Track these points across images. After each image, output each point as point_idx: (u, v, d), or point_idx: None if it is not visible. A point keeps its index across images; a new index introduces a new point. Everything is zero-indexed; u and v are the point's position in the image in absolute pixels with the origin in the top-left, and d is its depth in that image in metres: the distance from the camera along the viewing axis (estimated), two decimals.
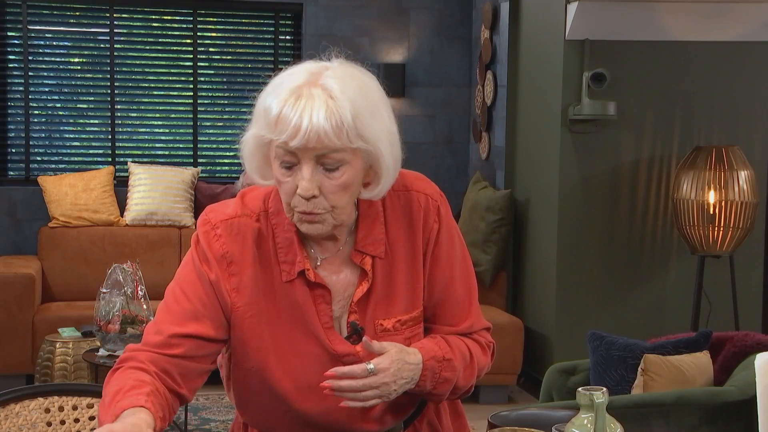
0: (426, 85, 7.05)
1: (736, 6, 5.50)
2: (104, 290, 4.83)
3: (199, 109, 6.98)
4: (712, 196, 5.21)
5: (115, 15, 6.82)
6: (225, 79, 7.05)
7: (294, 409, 1.91)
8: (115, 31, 6.84)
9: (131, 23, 6.91)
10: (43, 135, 6.83)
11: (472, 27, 7.05)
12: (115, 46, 6.82)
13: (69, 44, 6.85)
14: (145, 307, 4.84)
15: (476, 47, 6.94)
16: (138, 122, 6.96)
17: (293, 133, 1.75)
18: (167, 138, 7.03)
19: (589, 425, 1.83)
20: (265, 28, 7.08)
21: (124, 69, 6.87)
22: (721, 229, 5.21)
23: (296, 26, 7.03)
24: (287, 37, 7.07)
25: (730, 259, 5.33)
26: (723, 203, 5.19)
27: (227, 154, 7.12)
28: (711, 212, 5.21)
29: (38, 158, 6.82)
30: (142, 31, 6.93)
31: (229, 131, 7.06)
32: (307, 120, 1.74)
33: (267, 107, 1.79)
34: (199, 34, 6.96)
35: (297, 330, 1.89)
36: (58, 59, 6.83)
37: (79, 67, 6.88)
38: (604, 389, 1.83)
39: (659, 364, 3.63)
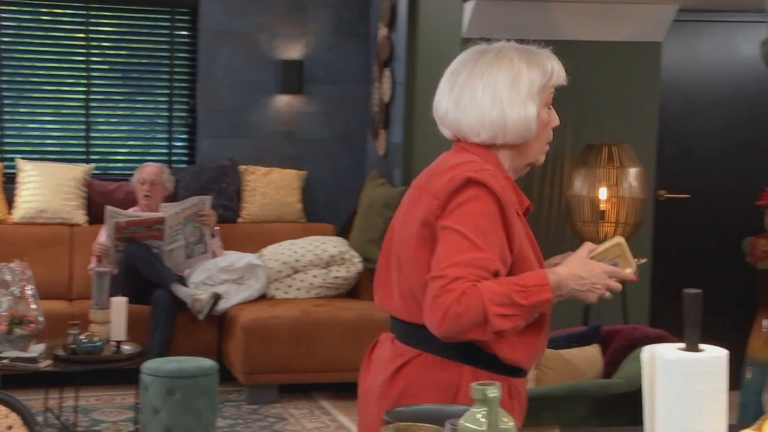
0: (324, 82, 7.04)
1: (628, 7, 5.63)
2: None
3: (92, 104, 6.85)
4: (603, 193, 5.33)
5: (2, 8, 6.65)
6: (120, 75, 6.93)
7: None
8: (2, 24, 6.66)
9: (20, 16, 6.75)
10: None
11: (370, 24, 7.07)
12: (3, 39, 6.65)
13: None
14: (33, 306, 4.73)
15: (374, 44, 6.97)
16: (27, 117, 6.80)
17: (563, 74, 2.37)
18: (58, 134, 6.89)
19: (482, 419, 1.85)
20: (160, 23, 6.98)
21: (12, 63, 6.70)
22: (612, 224, 5.34)
23: (192, 21, 6.96)
24: (183, 33, 6.99)
25: None
26: (614, 200, 5.32)
27: (121, 150, 7.00)
28: (602, 208, 5.33)
29: None
30: (32, 25, 6.77)
31: (124, 127, 6.94)
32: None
33: (544, 70, 2.31)
34: (92, 28, 6.82)
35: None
36: None
37: None
38: (498, 383, 1.85)
39: (551, 357, 3.70)
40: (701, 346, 1.67)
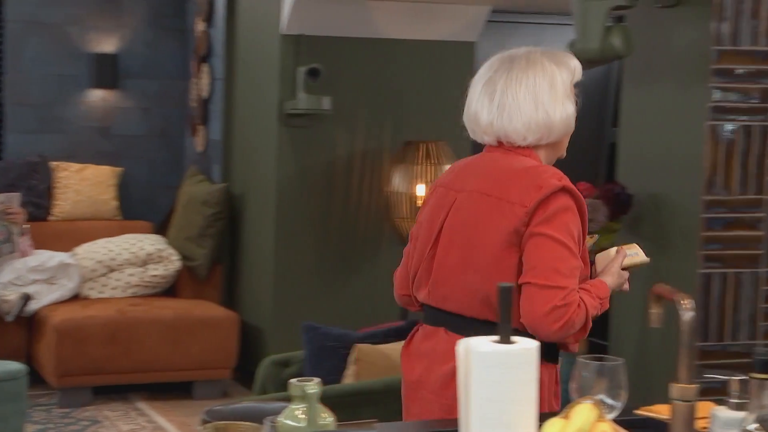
0: (140, 76, 6.88)
1: (443, 7, 5.74)
2: None
3: None
4: (421, 189, 5.42)
5: None
6: None
7: None
8: None
9: None
10: None
11: (187, 19, 6.95)
12: None
13: None
14: None
15: (192, 39, 6.86)
16: None
17: (581, 69, 2.47)
18: None
19: (301, 416, 1.85)
20: None
21: None
22: None
23: None
24: None
25: None
26: None
27: None
28: (420, 204, 5.41)
29: None
30: None
31: None
32: None
33: (570, 69, 2.43)
34: None
35: None
36: None
37: None
38: (317, 380, 1.85)
39: (370, 353, 3.73)
40: (514, 338, 1.71)
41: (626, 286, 2.49)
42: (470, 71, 6.02)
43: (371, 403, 3.44)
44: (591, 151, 6.54)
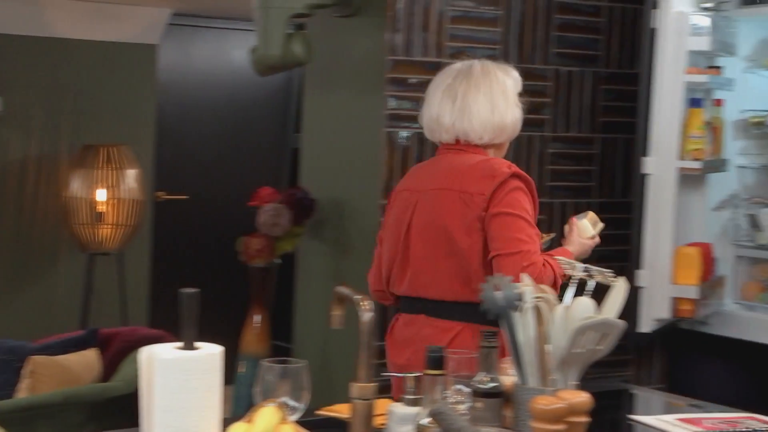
0: None
1: (122, 8, 5.60)
2: None
3: None
4: (102, 195, 5.26)
5: None
6: None
7: None
8: None
9: None
10: None
11: None
12: None
13: None
14: None
15: None
16: None
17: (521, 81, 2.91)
18: None
19: None
20: None
21: None
22: (111, 226, 5.28)
23: None
24: None
25: (118, 256, 5.42)
26: (113, 201, 5.27)
27: None
28: (100, 210, 5.26)
29: None
30: None
31: None
32: None
33: (516, 79, 2.85)
34: None
35: None
36: None
37: None
38: None
39: (46, 364, 3.57)
40: (198, 344, 1.70)
41: (592, 242, 2.95)
42: (153, 75, 5.95)
43: (48, 416, 3.30)
44: (274, 156, 6.62)
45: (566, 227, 2.99)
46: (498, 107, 2.77)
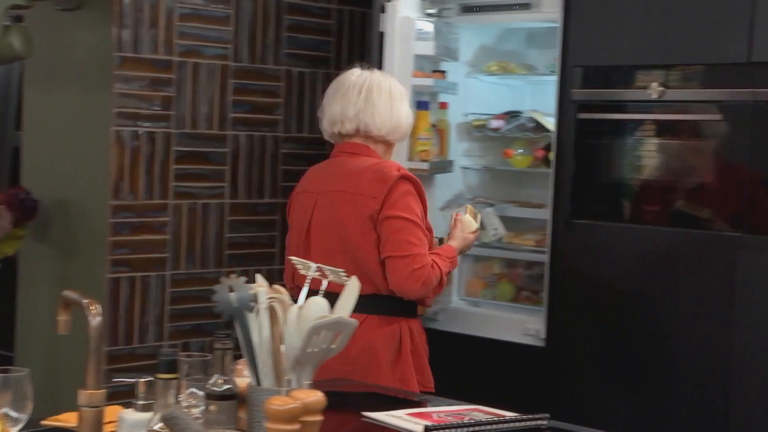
0: None
1: None
2: None
3: None
4: None
5: None
6: None
7: None
8: None
9: None
10: None
11: None
12: None
13: None
14: None
15: None
16: None
17: None
18: None
19: None
20: None
21: None
22: None
23: None
24: None
25: None
26: None
27: None
28: None
29: None
30: None
31: None
32: None
33: (402, 90, 3.17)
34: None
35: None
36: None
37: None
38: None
39: None
40: None
41: (473, 236, 3.23)
42: None
43: None
44: None
45: (450, 223, 3.24)
46: (396, 107, 3.07)
